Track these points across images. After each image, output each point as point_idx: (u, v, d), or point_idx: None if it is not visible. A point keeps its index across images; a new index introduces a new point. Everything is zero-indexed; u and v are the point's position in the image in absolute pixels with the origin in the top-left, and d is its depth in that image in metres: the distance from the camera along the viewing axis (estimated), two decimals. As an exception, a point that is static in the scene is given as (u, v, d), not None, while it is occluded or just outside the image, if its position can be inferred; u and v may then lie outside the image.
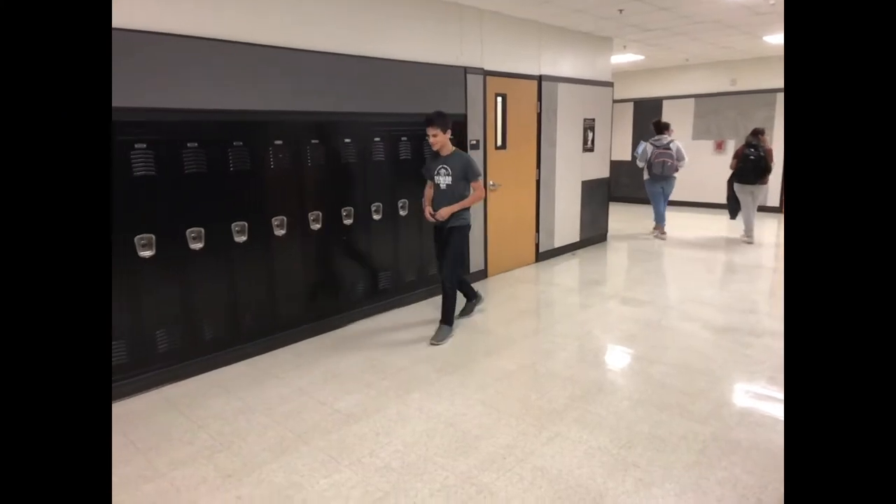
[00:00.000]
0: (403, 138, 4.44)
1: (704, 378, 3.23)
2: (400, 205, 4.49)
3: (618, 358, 3.64)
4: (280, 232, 3.70)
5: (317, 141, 3.86)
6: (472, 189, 3.79)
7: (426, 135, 3.71)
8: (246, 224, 3.51)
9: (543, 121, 5.84)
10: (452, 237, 3.79)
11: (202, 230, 3.29)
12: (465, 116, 4.92)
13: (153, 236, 3.08)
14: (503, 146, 5.44)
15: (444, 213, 3.74)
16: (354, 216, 4.16)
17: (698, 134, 9.69)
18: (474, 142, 5.06)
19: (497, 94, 5.27)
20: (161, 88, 3.05)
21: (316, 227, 3.92)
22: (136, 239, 3.02)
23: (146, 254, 3.06)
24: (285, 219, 3.72)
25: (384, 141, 4.29)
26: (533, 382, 3.27)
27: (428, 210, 3.88)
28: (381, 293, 4.47)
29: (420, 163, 4.66)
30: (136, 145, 2.98)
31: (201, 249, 3.30)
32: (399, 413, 2.90)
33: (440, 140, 3.69)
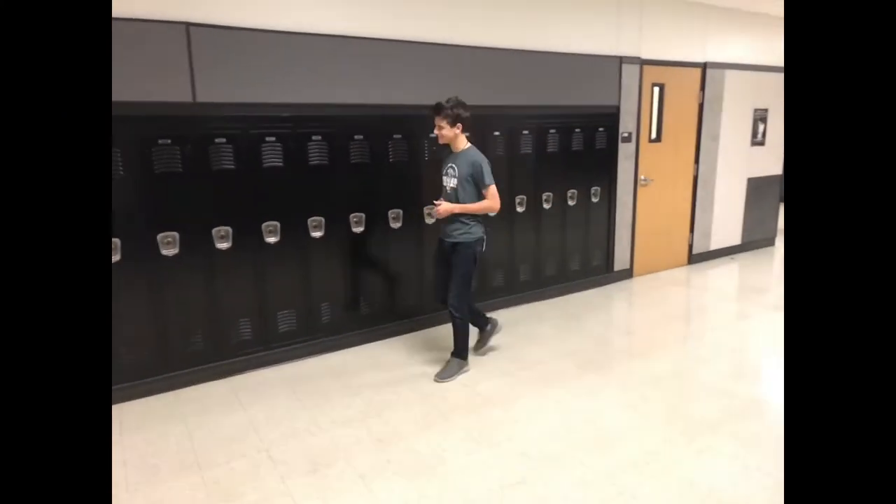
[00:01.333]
0: (552, 131, 4.40)
1: None
2: (545, 198, 4.47)
3: (782, 376, 3.26)
4: (430, 220, 3.90)
5: (467, 134, 3.98)
6: (485, 196, 3.10)
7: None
8: (401, 212, 3.75)
9: (706, 111, 5.39)
10: (458, 255, 3.12)
11: (363, 215, 3.59)
12: (617, 108, 4.73)
13: (323, 219, 3.45)
14: (657, 139, 5.13)
15: (444, 210, 3.06)
16: (499, 208, 4.22)
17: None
18: (626, 134, 4.85)
19: (654, 84, 4.98)
20: (311, 85, 3.38)
21: (463, 217, 4.06)
22: (308, 220, 3.41)
23: (332, 232, 3.44)
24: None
25: (532, 133, 4.30)
26: (681, 390, 3.08)
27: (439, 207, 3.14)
28: (521, 285, 4.50)
29: (570, 156, 4.59)
30: (312, 137, 3.35)
31: (362, 233, 3.61)
32: (537, 404, 2.92)
33: (447, 134, 3.05)
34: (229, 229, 3.17)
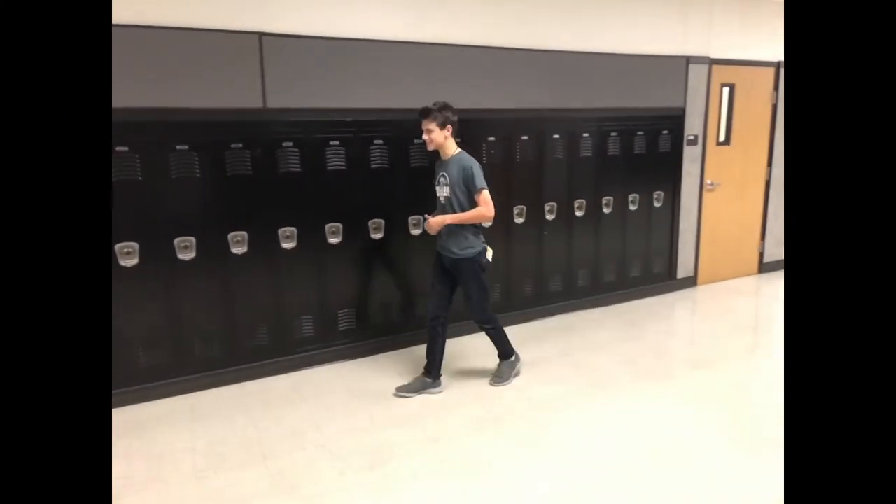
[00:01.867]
0: (613, 133, 4.30)
1: None
2: (605, 202, 4.37)
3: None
4: (485, 224, 3.90)
5: (526, 137, 3.97)
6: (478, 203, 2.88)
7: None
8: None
9: (780, 113, 5.11)
10: (462, 273, 2.96)
11: (421, 218, 3.65)
12: (683, 110, 4.57)
13: (382, 221, 3.53)
14: (726, 141, 4.91)
15: (435, 223, 2.87)
16: (557, 211, 4.18)
17: None
18: (692, 137, 4.67)
19: (723, 84, 4.77)
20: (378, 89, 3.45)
21: (519, 220, 4.04)
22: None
23: (392, 234, 3.53)
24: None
25: (592, 136, 4.22)
26: (746, 404, 2.93)
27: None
28: (578, 291, 4.42)
29: (632, 159, 4.48)
30: (374, 141, 3.44)
31: (420, 236, 3.66)
32: (593, 412, 2.86)
33: (435, 139, 2.87)
34: (294, 229, 3.30)
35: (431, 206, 3.71)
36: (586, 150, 4.22)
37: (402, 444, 2.60)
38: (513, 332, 3.93)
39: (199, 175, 3.01)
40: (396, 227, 3.60)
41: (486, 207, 2.85)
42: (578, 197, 4.26)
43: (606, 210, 4.40)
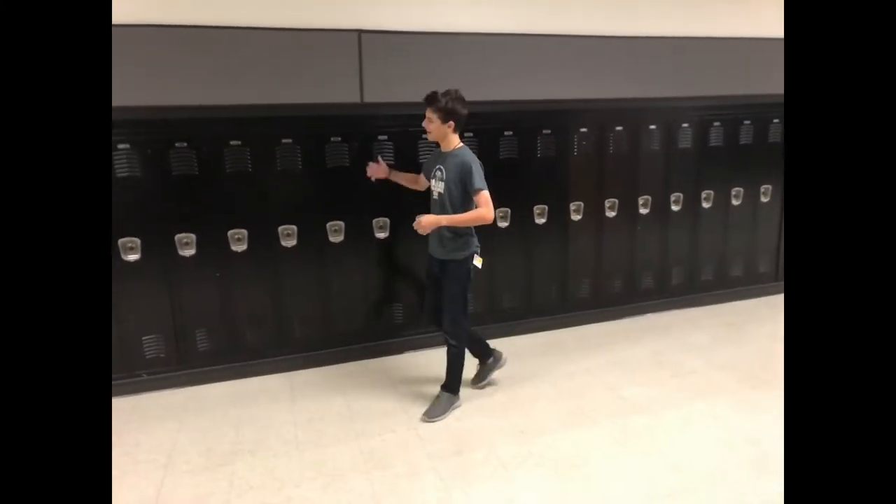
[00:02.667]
0: (716, 123, 4.05)
1: None
2: (704, 196, 4.13)
3: None
4: (576, 217, 3.82)
5: (620, 128, 3.83)
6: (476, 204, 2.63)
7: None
8: (546, 207, 3.73)
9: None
10: (448, 274, 2.70)
11: (508, 210, 3.64)
12: (796, 96, 4.20)
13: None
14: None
15: (427, 222, 2.58)
16: (651, 206, 4.00)
17: None
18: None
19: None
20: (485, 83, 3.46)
21: (611, 214, 3.91)
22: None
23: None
24: (582, 204, 3.82)
25: (692, 127, 4.00)
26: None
27: (378, 165, 2.97)
28: (673, 289, 4.21)
29: (737, 150, 4.21)
30: (464, 134, 3.47)
31: (507, 228, 3.65)
32: (690, 415, 2.72)
33: (434, 130, 2.67)
34: (387, 220, 3.41)
35: (522, 197, 3.70)
36: (685, 142, 4.00)
37: (489, 433, 2.62)
38: (601, 330, 3.86)
39: (300, 167, 3.19)
40: (558, 214, 3.66)
41: (486, 209, 2.57)
42: (675, 190, 4.05)
43: (706, 205, 4.15)
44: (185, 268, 3.08)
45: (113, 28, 2.80)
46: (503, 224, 3.65)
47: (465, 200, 2.65)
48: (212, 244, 3.11)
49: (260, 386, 3.16)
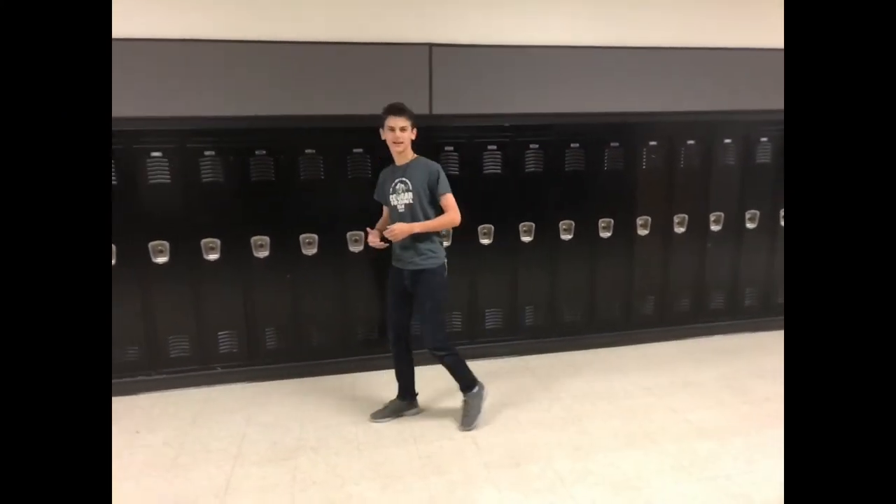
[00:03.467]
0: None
1: None
2: (782, 214, 3.92)
3: None
4: (643, 232, 3.73)
5: (692, 142, 3.72)
6: (444, 209, 2.64)
7: (382, 127, 2.61)
8: (611, 221, 3.67)
9: None
10: (425, 285, 2.64)
11: (572, 223, 3.60)
12: None
13: (533, 224, 3.56)
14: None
15: (400, 229, 2.54)
16: (724, 222, 3.84)
17: None
18: None
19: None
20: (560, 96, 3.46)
21: (680, 230, 3.79)
22: (519, 226, 3.54)
23: (526, 239, 3.57)
24: (649, 219, 3.72)
25: (772, 141, 3.82)
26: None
27: (373, 234, 2.71)
28: (746, 310, 4.01)
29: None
30: (530, 146, 3.48)
31: (570, 240, 3.62)
32: (763, 444, 2.58)
33: (407, 139, 2.59)
34: (449, 230, 3.45)
35: (586, 210, 3.65)
36: (763, 156, 3.83)
37: (547, 447, 2.59)
38: (665, 349, 3.73)
39: (370, 175, 3.29)
40: (546, 232, 3.59)
41: (454, 212, 2.61)
42: (751, 207, 3.87)
43: (784, 223, 3.94)
44: (259, 269, 3.25)
45: (206, 43, 3.03)
46: (566, 237, 3.62)
47: (434, 208, 2.66)
48: (284, 247, 3.27)
49: (323, 385, 3.27)
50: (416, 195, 2.61)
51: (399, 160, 2.67)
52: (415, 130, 2.63)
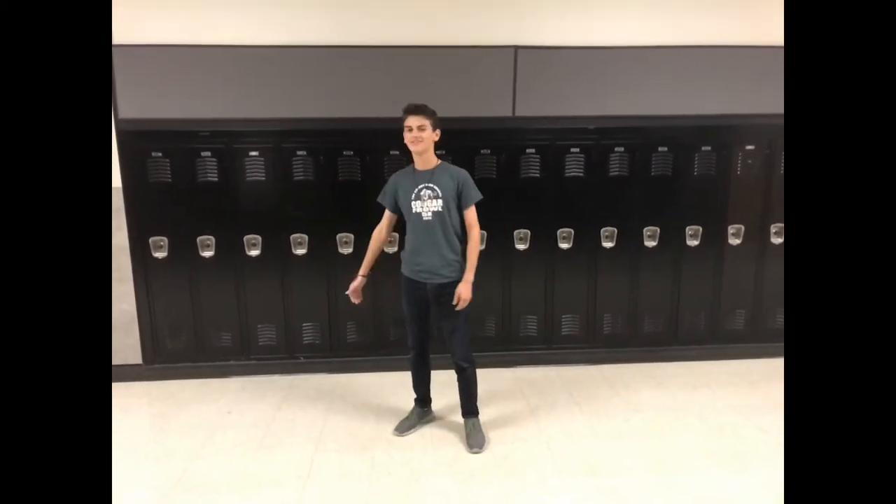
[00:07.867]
0: None
1: None
2: None
3: None
4: (735, 241, 3.52)
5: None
6: (468, 225, 2.50)
7: (404, 129, 2.46)
8: (699, 229, 3.50)
9: None
10: (453, 301, 2.49)
11: (657, 229, 3.47)
12: None
13: (615, 229, 3.46)
14: None
15: (466, 291, 2.45)
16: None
17: None
18: None
19: None
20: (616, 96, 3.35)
21: (777, 240, 3.55)
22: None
23: (608, 245, 3.48)
24: (742, 227, 3.51)
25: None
26: None
27: (355, 293, 2.69)
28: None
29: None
30: (615, 149, 3.39)
31: (654, 247, 3.48)
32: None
33: (428, 138, 2.44)
34: (528, 232, 3.44)
35: (672, 216, 3.48)
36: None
37: (624, 459, 2.50)
38: (756, 367, 3.51)
39: (451, 177, 3.34)
40: (630, 237, 3.48)
41: (477, 229, 2.52)
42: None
43: None
44: (342, 264, 3.38)
45: (293, 49, 3.19)
46: (650, 243, 3.49)
47: (460, 218, 2.54)
48: (366, 245, 3.38)
49: (400, 381, 3.33)
50: (446, 204, 2.48)
51: (420, 164, 2.53)
52: (437, 132, 2.50)
